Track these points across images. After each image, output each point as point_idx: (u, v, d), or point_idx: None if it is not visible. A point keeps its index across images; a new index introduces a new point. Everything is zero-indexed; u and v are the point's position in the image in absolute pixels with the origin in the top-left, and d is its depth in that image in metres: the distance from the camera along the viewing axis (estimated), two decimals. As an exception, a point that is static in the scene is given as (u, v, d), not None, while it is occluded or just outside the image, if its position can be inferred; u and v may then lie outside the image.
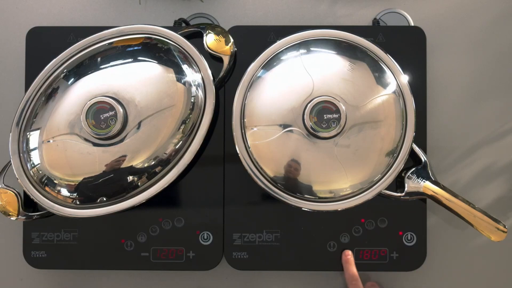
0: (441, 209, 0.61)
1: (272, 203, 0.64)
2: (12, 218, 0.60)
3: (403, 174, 0.61)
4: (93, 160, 0.57)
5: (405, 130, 0.59)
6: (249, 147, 0.59)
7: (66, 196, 0.58)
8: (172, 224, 0.64)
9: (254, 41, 0.65)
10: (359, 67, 0.60)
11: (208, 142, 0.63)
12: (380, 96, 0.59)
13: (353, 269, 0.63)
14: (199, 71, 0.60)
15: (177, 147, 0.58)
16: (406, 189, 0.61)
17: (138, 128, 0.58)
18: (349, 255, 0.64)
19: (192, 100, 0.59)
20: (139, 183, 0.58)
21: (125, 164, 0.57)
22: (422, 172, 0.61)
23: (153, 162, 0.58)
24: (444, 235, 0.68)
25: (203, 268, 0.64)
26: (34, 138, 0.59)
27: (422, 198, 0.62)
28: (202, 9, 0.70)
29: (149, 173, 0.58)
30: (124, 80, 0.59)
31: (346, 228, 0.65)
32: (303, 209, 0.59)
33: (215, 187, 0.65)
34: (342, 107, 0.57)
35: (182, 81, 0.59)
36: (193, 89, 0.59)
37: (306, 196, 0.59)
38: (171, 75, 0.59)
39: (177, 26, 0.67)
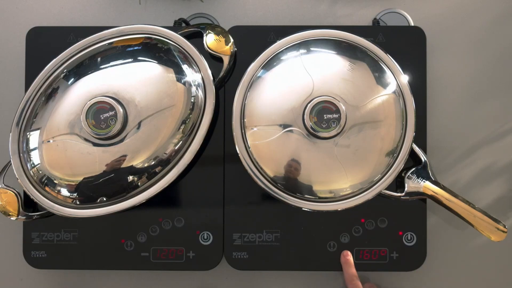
0: (441, 209, 0.61)
1: (272, 203, 0.64)
2: (12, 218, 0.60)
3: (403, 174, 0.61)
4: (93, 160, 0.57)
5: (405, 130, 0.59)
6: (249, 147, 0.59)
7: (66, 196, 0.58)
8: (172, 224, 0.64)
9: (254, 41, 0.65)
10: (359, 67, 0.60)
11: (208, 142, 0.63)
12: (380, 96, 0.59)
13: (352, 269, 0.63)
14: (199, 71, 0.60)
15: (177, 147, 0.58)
16: (406, 189, 0.61)
17: (138, 128, 0.58)
18: (348, 255, 0.64)
19: (192, 100, 0.59)
20: (139, 183, 0.58)
21: (125, 164, 0.57)
22: (422, 172, 0.61)
23: (153, 162, 0.58)
24: (444, 235, 0.68)
25: (203, 268, 0.64)
26: (34, 138, 0.59)
27: (422, 198, 0.61)
28: (202, 9, 0.70)
29: (149, 173, 0.58)
30: (124, 80, 0.59)
31: (346, 228, 0.64)
32: (303, 209, 0.59)
33: (215, 187, 0.65)
34: (342, 107, 0.57)
35: (182, 81, 0.59)
36: (193, 89, 0.59)
37: (306, 196, 0.59)
38: (171, 75, 0.59)
39: (177, 26, 0.67)
